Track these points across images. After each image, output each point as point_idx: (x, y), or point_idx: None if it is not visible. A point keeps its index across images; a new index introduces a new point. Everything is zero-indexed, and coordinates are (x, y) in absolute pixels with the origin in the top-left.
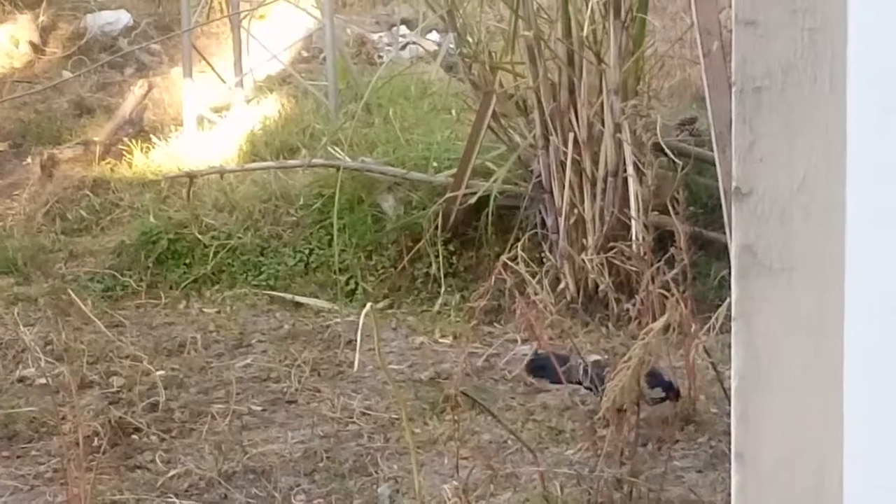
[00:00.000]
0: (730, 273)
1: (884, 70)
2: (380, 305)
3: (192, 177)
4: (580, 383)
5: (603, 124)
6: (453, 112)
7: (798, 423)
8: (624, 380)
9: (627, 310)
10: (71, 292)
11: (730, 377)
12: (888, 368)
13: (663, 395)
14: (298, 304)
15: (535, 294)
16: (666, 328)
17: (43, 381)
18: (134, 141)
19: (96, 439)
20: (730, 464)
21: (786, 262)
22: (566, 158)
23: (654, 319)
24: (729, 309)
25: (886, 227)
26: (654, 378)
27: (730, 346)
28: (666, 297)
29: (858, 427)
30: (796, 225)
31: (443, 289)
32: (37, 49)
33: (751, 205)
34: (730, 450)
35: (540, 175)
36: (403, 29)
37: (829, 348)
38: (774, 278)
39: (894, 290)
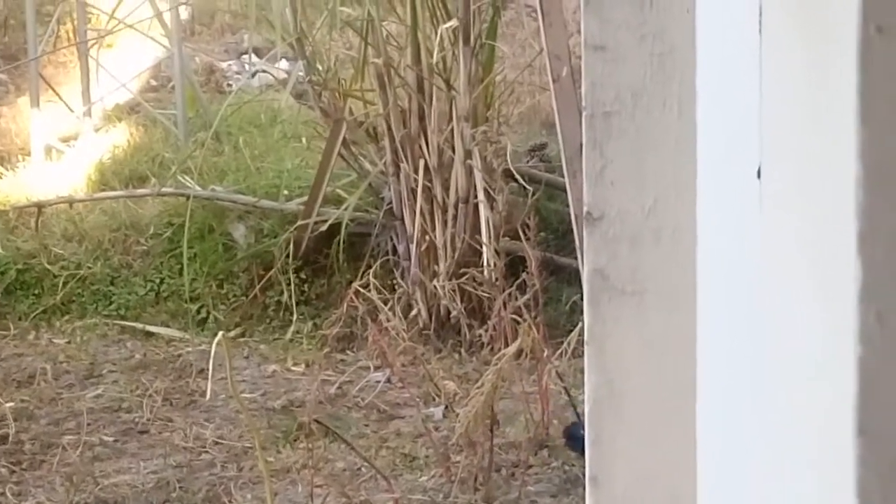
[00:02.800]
0: (582, 298)
1: (730, 95)
2: (231, 334)
3: (40, 207)
4: None
5: (453, 151)
6: (304, 140)
7: (652, 445)
8: (477, 406)
9: (480, 336)
10: None
11: (583, 401)
12: (738, 390)
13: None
14: (150, 334)
15: (388, 321)
16: (518, 353)
17: None
18: None
19: None
20: (583, 488)
21: (637, 286)
22: (417, 185)
23: (507, 345)
24: (581, 333)
25: (734, 250)
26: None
27: (582, 371)
28: (518, 323)
29: (710, 449)
30: (647, 248)
31: (295, 317)
32: None
33: (602, 229)
34: (583, 474)
35: (391, 202)
36: (253, 57)
37: (682, 371)
38: (626, 302)
39: (743, 313)
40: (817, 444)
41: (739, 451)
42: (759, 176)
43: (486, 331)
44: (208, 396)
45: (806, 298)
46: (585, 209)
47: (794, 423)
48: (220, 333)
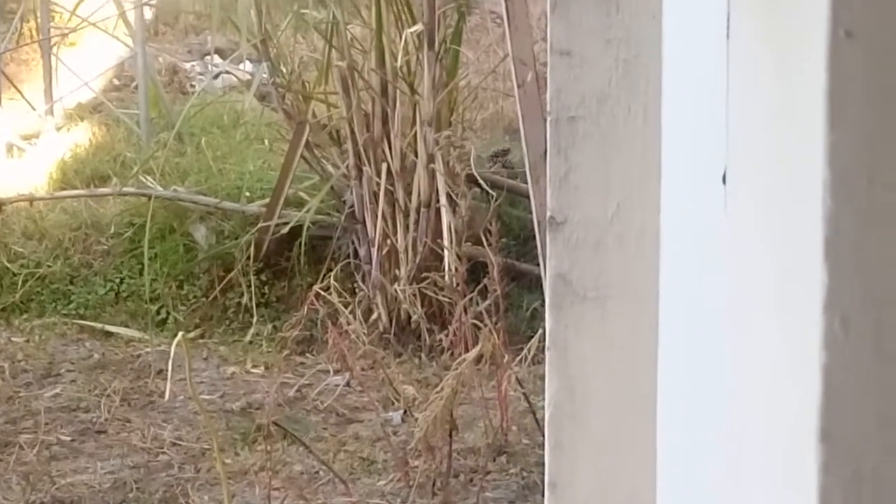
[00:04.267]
0: (542, 304)
1: (696, 100)
2: (191, 335)
3: (0, 205)
4: None
5: (416, 155)
6: (266, 142)
7: (612, 451)
8: (436, 410)
9: (440, 340)
10: None
11: (542, 407)
12: (701, 396)
13: None
14: (109, 334)
15: (348, 324)
16: (478, 358)
17: None
18: None
19: None
20: (542, 494)
21: (600, 291)
22: (379, 189)
23: (467, 350)
24: (541, 340)
25: (698, 255)
26: None
27: (542, 378)
28: (479, 328)
29: (671, 454)
30: (611, 253)
31: (255, 319)
32: None
33: (565, 233)
34: (542, 480)
35: (353, 206)
36: (216, 58)
37: (643, 376)
38: (588, 307)
39: (706, 318)
40: (780, 450)
41: (700, 457)
42: (724, 181)
43: (447, 335)
44: (167, 397)
45: (771, 304)
46: (549, 214)
47: (756, 428)
48: (181, 334)
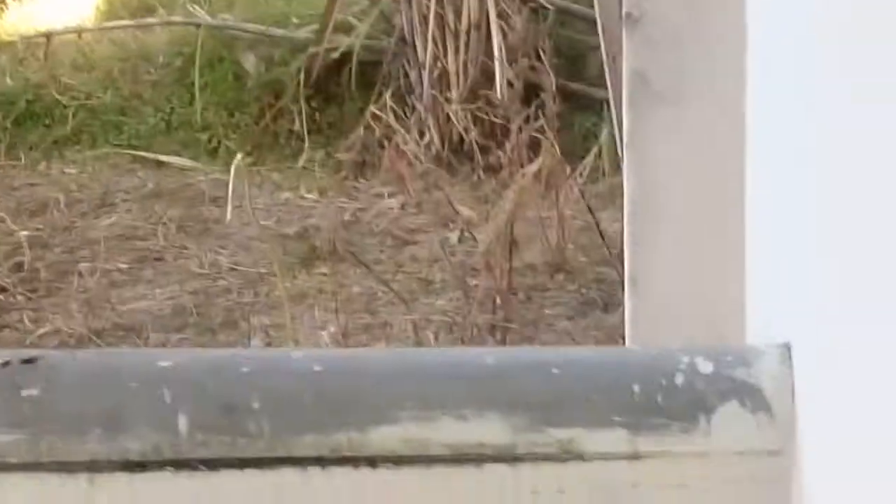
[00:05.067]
0: (594, 125)
1: None
2: (243, 163)
3: (48, 37)
4: None
5: None
6: None
7: (693, 247)
8: (497, 227)
9: (498, 158)
10: None
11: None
12: (789, 197)
13: None
14: (161, 163)
15: (405, 143)
16: (536, 175)
17: None
18: None
19: None
20: (601, 311)
21: (678, 90)
22: (429, 12)
23: (523, 168)
24: (597, 158)
25: (786, 55)
26: None
27: (599, 196)
28: (538, 142)
29: (759, 259)
30: (690, 51)
31: (307, 145)
32: None
33: (642, 30)
34: (600, 297)
35: (403, 29)
36: None
37: (725, 178)
38: (667, 106)
39: (796, 123)
40: None
41: (792, 257)
42: None
43: (504, 153)
44: (229, 217)
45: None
46: (625, 10)
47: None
48: (238, 156)
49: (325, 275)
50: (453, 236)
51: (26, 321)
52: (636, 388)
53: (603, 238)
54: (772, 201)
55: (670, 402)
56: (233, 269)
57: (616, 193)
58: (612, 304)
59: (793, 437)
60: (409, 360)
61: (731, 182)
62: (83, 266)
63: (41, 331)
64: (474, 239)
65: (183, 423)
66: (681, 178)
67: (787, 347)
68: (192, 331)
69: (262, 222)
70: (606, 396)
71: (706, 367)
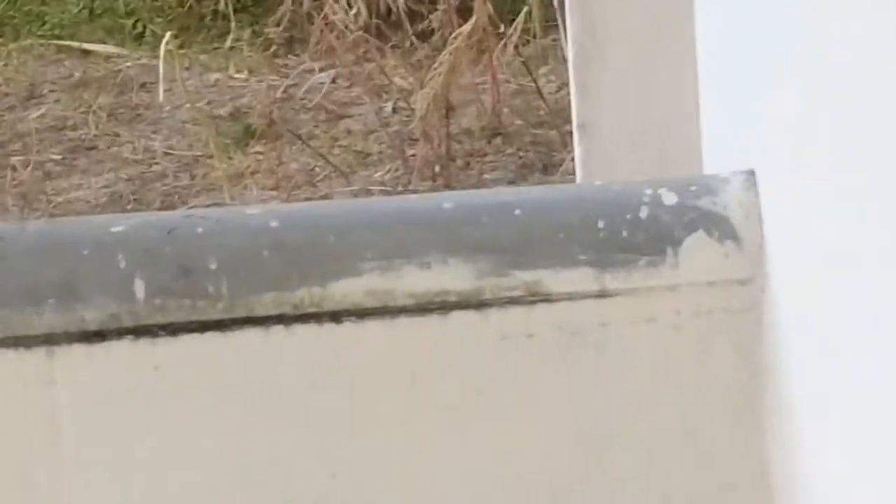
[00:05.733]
0: None
1: None
2: (170, 46)
3: None
4: None
5: None
6: None
7: (640, 94)
8: (434, 90)
9: (429, 24)
10: None
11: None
12: (743, 24)
13: None
14: (87, 52)
15: (334, 14)
16: (471, 34)
17: None
18: None
19: None
20: (540, 173)
21: None
22: None
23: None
24: (526, 21)
25: None
26: None
27: (529, 59)
28: (468, 7)
29: (713, 89)
30: None
31: (233, 24)
32: None
33: None
34: (539, 159)
35: None
36: None
37: (674, 10)
38: None
39: None
40: None
41: (749, 82)
42: None
43: (435, 19)
44: (161, 97)
45: None
46: None
47: None
48: (168, 35)
49: (261, 153)
50: (388, 106)
51: None
52: (600, 224)
53: (541, 95)
54: (725, 30)
55: (636, 237)
56: (167, 154)
57: (548, 55)
58: (550, 164)
59: (762, 265)
60: (368, 210)
61: (681, 15)
62: (16, 160)
63: None
64: (410, 108)
65: (139, 288)
66: (627, 20)
67: (751, 174)
68: None
69: (194, 105)
70: (571, 235)
71: (670, 198)
